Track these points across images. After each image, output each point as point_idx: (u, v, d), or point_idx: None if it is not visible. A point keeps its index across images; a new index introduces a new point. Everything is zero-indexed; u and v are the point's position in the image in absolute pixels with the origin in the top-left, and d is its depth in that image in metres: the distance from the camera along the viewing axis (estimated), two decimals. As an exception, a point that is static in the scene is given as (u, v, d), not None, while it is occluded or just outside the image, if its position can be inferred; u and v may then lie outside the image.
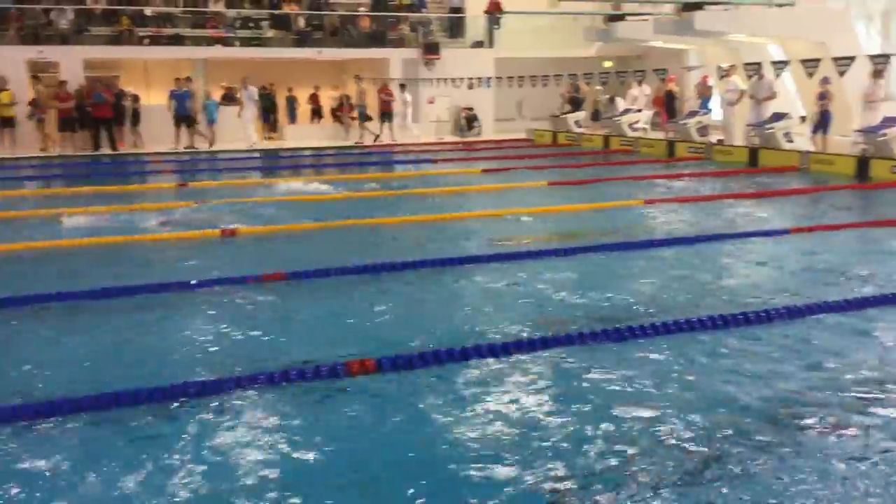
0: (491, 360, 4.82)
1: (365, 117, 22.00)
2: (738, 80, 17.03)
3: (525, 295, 6.38)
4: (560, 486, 3.38)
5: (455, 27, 25.16)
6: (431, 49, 23.50)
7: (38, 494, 3.34)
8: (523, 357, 4.86)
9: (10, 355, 5.08)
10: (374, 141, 21.83)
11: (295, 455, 3.68)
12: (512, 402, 4.25)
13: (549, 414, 4.11)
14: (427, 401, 4.29)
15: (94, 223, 9.58)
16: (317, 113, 23.71)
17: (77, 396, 4.20)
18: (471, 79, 22.33)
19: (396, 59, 23.34)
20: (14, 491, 3.35)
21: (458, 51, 24.02)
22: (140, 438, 3.86)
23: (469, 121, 23.91)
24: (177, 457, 3.64)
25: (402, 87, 21.95)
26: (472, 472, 3.50)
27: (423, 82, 23.08)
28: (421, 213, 10.17)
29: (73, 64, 20.48)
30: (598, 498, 3.27)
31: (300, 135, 22.30)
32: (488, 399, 4.29)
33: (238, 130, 20.68)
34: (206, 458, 3.64)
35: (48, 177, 15.87)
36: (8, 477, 3.46)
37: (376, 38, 23.84)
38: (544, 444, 3.76)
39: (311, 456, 3.68)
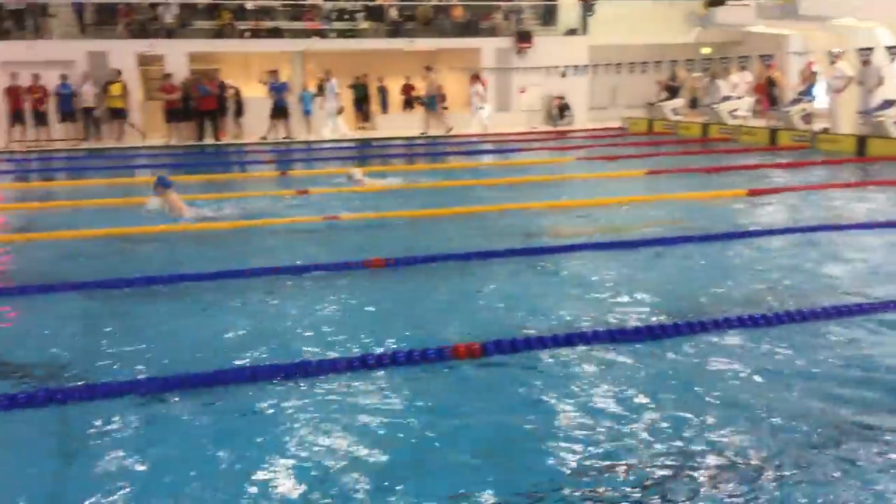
0: (595, 346, 4.80)
1: (434, 107, 22.05)
2: (846, 67, 16.30)
3: (625, 284, 6.30)
4: (659, 472, 3.35)
5: (548, 15, 24.93)
6: (524, 37, 23.37)
7: (158, 465, 3.51)
8: (625, 345, 4.82)
9: (133, 332, 5.33)
10: (447, 132, 21.83)
11: (410, 437, 3.76)
12: (615, 389, 4.22)
13: (657, 403, 4.06)
14: (531, 385, 4.30)
15: (200, 210, 9.94)
16: (409, 103, 23.91)
17: (197, 372, 4.38)
18: (564, 67, 22.11)
19: (488, 49, 23.32)
20: (136, 460, 3.54)
21: (551, 39, 23.82)
22: (259, 414, 4.00)
23: (561, 109, 23.69)
24: (293, 432, 3.77)
25: (475, 77, 21.92)
26: (570, 456, 3.50)
27: (515, 71, 22.99)
28: (515, 201, 10.15)
29: (177, 57, 21.27)
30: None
31: (392, 124, 22.56)
32: (592, 385, 4.27)
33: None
34: (316, 435, 3.75)
35: (156, 165, 16.52)
36: (132, 447, 3.65)
37: (468, 28, 23.87)
38: (643, 432, 3.72)
39: (423, 437, 3.75)
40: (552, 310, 5.64)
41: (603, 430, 3.78)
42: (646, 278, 6.45)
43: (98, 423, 3.90)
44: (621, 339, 4.89)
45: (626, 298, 5.89)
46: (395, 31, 23.35)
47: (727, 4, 21.25)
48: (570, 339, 4.85)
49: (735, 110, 19.50)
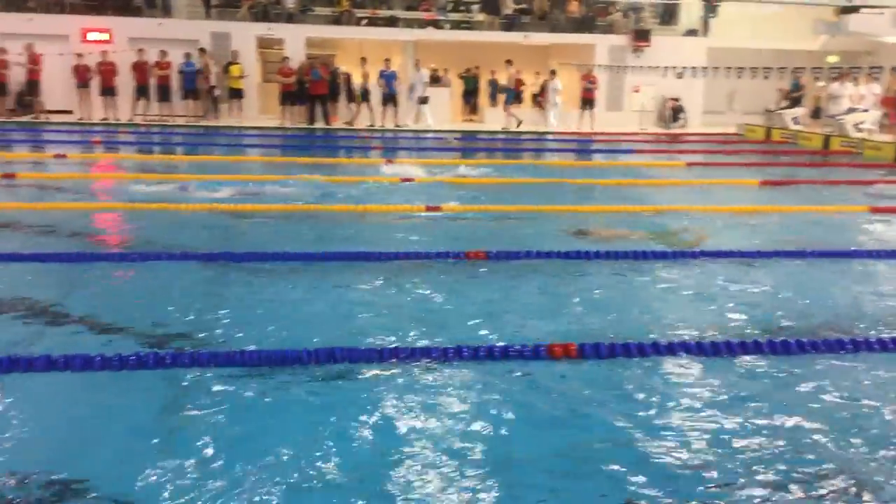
0: (694, 358, 4.63)
1: (511, 101, 21.85)
2: None
3: (732, 295, 6.06)
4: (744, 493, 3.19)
5: (668, 14, 24.31)
6: (641, 36, 22.87)
7: (256, 435, 3.59)
8: (722, 359, 4.64)
9: (243, 305, 5.49)
10: (517, 126, 21.57)
11: (499, 431, 3.72)
12: (716, 402, 4.06)
13: (752, 421, 3.88)
14: (627, 391, 4.19)
15: (307, 191, 10.16)
16: (518, 97, 23.77)
17: (302, 349, 4.45)
18: (682, 68, 21.51)
19: (603, 46, 22.92)
20: (237, 431, 3.63)
21: (669, 38, 23.22)
22: (357, 394, 4.05)
23: (675, 112, 23.08)
24: (383, 415, 3.80)
25: (553, 73, 21.60)
26: (660, 466, 3.38)
27: (628, 70, 22.53)
28: (620, 203, 9.94)
29: (296, 42, 21.81)
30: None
31: (500, 118, 22.48)
32: (686, 395, 4.12)
33: (441, 111, 21.26)
34: (408, 420, 3.76)
35: (267, 146, 17.00)
36: (234, 417, 3.75)
37: (584, 24, 23.53)
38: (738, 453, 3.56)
39: (513, 433, 3.70)
40: (654, 316, 5.48)
41: (694, 444, 3.64)
42: (752, 291, 6.19)
43: (205, 391, 4.02)
44: (725, 353, 4.70)
45: (731, 310, 5.66)
46: (510, 24, 23.24)
47: (861, 12, 20.17)
48: (672, 348, 4.70)
49: (861, 123, 18.53)
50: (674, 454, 3.54)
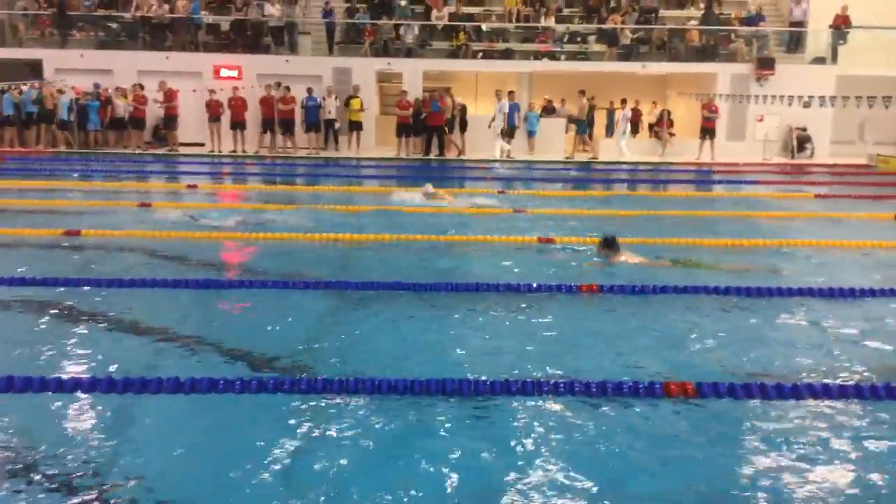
0: (821, 401, 4.40)
1: (584, 131, 21.65)
2: None
3: (860, 337, 5.73)
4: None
5: (794, 41, 23.47)
6: (765, 64, 22.16)
7: (373, 459, 3.65)
8: (851, 404, 4.38)
9: (360, 335, 5.62)
10: (593, 157, 21.27)
11: (609, 466, 3.64)
12: (842, 450, 3.83)
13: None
14: (745, 434, 4.02)
15: (421, 221, 10.32)
16: (634, 128, 23.43)
17: (421, 378, 4.50)
18: (808, 97, 20.67)
19: (725, 75, 22.33)
20: (357, 453, 3.70)
21: (795, 67, 22.39)
22: (473, 425, 4.06)
23: (801, 142, 22.17)
24: (505, 447, 3.79)
25: (623, 102, 21.12)
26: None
27: (751, 99, 21.83)
28: (742, 236, 9.59)
29: (413, 75, 22.33)
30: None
31: (613, 150, 22.22)
32: (812, 441, 3.91)
33: (554, 141, 21.25)
34: (525, 452, 3.73)
35: (384, 176, 17.40)
36: (354, 441, 3.83)
37: (705, 53, 23.02)
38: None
39: (623, 469, 3.62)
40: (776, 356, 5.25)
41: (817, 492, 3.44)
42: (888, 332, 5.83)
43: (327, 415, 4.13)
44: (855, 396, 4.44)
45: (861, 351, 5.35)
46: (627, 54, 23.01)
47: None
48: (797, 391, 4.47)
49: None
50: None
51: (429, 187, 12.47)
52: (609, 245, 7.99)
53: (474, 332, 5.71)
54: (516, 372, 4.78)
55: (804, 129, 22.11)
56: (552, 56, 23.11)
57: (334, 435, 3.92)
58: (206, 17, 23.08)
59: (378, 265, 7.93)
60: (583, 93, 21.64)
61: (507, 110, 21.17)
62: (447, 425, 4.11)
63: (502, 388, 4.44)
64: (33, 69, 22.13)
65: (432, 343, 5.45)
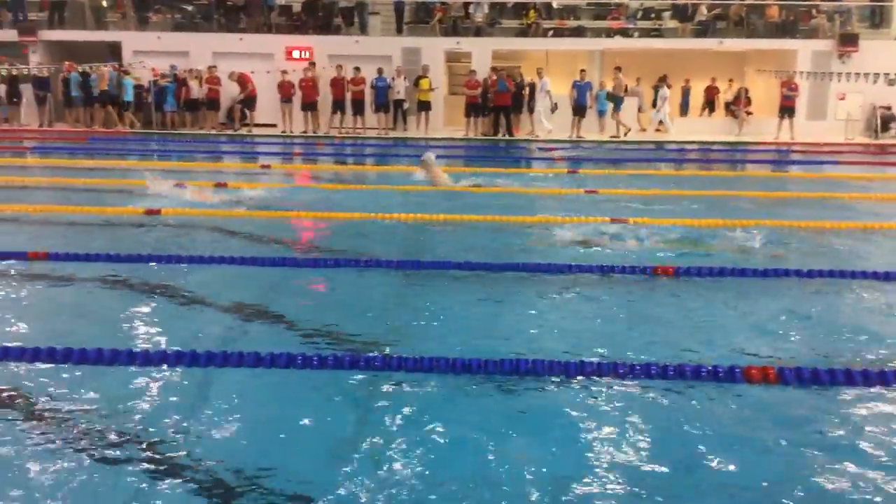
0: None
1: (620, 108, 21.16)
2: None
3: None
4: None
5: (878, 17, 22.50)
6: (848, 40, 21.33)
7: (439, 440, 3.67)
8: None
9: (429, 314, 5.64)
10: (624, 135, 20.54)
11: (684, 452, 3.58)
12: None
13: None
14: (828, 422, 3.89)
15: (488, 201, 10.28)
16: (710, 106, 22.87)
17: (487, 359, 4.50)
18: (894, 74, 19.83)
19: (805, 52, 21.58)
20: (421, 433, 3.72)
21: (879, 43, 21.49)
22: (541, 408, 4.05)
23: (885, 121, 21.30)
24: (563, 429, 3.76)
25: (662, 79, 20.48)
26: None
27: (833, 77, 21.06)
28: (822, 218, 9.28)
29: (482, 55, 22.20)
30: None
31: (688, 128, 21.74)
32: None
33: (627, 120, 20.88)
34: (586, 437, 3.70)
35: (452, 156, 17.37)
36: (418, 420, 3.85)
37: (784, 29, 22.27)
38: None
39: (700, 456, 3.55)
40: (865, 341, 5.06)
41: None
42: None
43: (393, 392, 4.17)
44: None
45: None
46: (704, 30, 22.42)
47: None
48: (885, 377, 4.31)
49: None
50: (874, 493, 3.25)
51: (430, 157, 12.06)
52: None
53: (547, 314, 5.66)
54: (590, 354, 4.73)
55: (889, 108, 21.24)
56: (625, 33, 22.68)
57: (409, 413, 3.95)
58: (279, -1, 23.35)
59: (449, 245, 7.94)
60: (619, 69, 21.23)
61: (549, 88, 20.92)
62: (519, 406, 4.10)
63: (576, 370, 4.40)
64: (113, 51, 22.79)
65: (507, 324, 5.43)
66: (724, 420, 3.95)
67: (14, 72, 20.71)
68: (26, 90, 21.86)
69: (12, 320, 5.37)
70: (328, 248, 7.94)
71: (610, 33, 22.68)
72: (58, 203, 9.81)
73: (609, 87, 21.38)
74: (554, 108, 21.01)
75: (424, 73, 21.32)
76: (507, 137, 20.91)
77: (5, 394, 4.12)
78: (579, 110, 20.79)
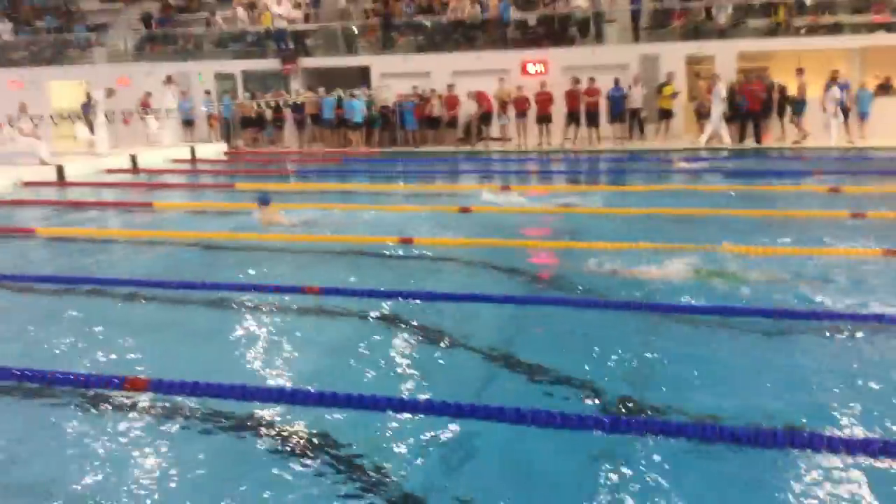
0: None
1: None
2: None
3: None
4: None
5: None
6: None
7: None
8: None
9: (680, 364, 5.39)
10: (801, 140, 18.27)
11: None
12: None
13: None
14: None
15: (734, 225, 9.65)
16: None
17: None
18: None
19: None
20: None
21: None
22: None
23: None
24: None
25: (835, 74, 17.55)
26: None
27: None
28: None
29: (726, 58, 21.08)
30: None
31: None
32: None
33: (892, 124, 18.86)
34: None
35: (696, 171, 16.63)
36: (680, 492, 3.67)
37: None
38: None
39: None
40: None
41: None
42: None
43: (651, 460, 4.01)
44: None
45: None
46: None
47: None
48: None
49: None
50: None
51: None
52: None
53: (827, 371, 5.18)
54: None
55: None
56: (889, 28, 20.52)
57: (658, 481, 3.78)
58: (515, 14, 23.67)
59: (688, 284, 7.27)
60: (800, 71, 19.34)
61: (724, 95, 19.32)
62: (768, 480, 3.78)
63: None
64: (363, 74, 24.32)
65: (758, 377, 5.05)
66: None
67: (282, 102, 22.84)
68: (288, 113, 23.95)
69: (278, 360, 5.72)
70: (575, 282, 7.53)
71: (871, 28, 20.62)
72: (317, 232, 10.39)
73: (870, 86, 19.47)
74: (726, 115, 19.67)
75: (668, 81, 20.59)
76: (755, 146, 19.70)
77: (282, 435, 4.43)
78: (842, 113, 19.04)
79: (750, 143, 19.91)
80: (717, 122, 19.88)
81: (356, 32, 25.27)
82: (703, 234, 9.03)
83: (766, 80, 20.10)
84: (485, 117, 22.06)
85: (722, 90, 19.77)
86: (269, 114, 23.84)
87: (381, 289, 7.25)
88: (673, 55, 21.51)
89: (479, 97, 21.77)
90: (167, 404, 4.84)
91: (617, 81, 20.92)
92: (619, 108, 21.03)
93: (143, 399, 4.90)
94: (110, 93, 19.81)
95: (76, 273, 8.44)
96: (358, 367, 5.50)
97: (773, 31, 21.45)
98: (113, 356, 5.79)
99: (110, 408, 4.87)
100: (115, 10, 30.42)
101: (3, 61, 28.36)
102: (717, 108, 19.85)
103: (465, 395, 4.81)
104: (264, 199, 10.58)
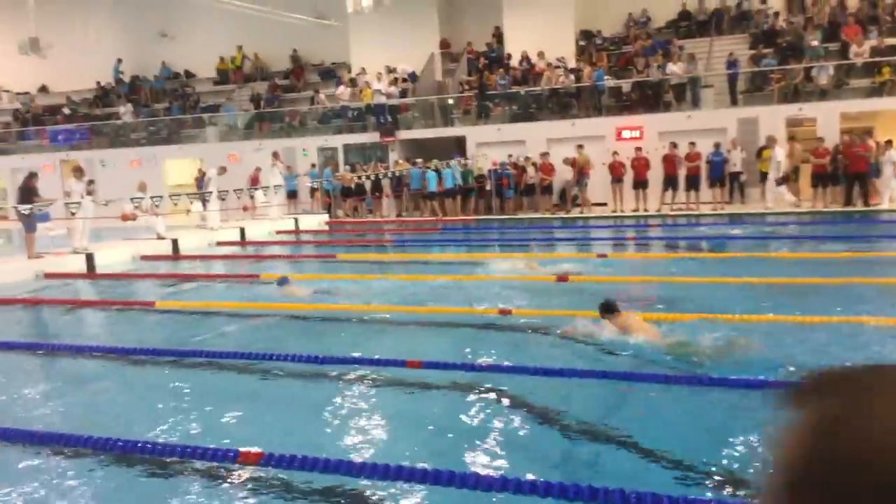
0: None
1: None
2: None
3: None
4: None
5: None
6: None
7: None
8: None
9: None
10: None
11: None
12: None
13: None
14: None
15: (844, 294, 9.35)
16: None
17: None
18: None
19: None
20: None
21: None
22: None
23: None
24: None
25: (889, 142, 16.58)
26: None
27: None
28: None
29: (829, 119, 20.61)
30: None
31: None
32: None
33: None
34: None
35: (799, 237, 16.18)
36: None
37: None
38: None
39: None
40: None
41: None
42: None
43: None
44: None
45: None
46: None
47: None
48: None
49: None
50: None
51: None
52: (607, 309, 7.62)
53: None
54: None
55: None
56: None
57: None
58: (609, 82, 23.88)
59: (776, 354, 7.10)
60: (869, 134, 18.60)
61: (780, 158, 18.77)
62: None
63: None
64: (458, 144, 24.91)
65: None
66: None
67: (380, 175, 23.62)
68: (386, 184, 24.69)
69: (383, 435, 5.89)
70: (686, 358, 7.30)
71: None
72: (415, 303, 10.63)
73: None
74: (781, 181, 18.92)
75: (769, 144, 20.25)
76: (862, 208, 19.04)
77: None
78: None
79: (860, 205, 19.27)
80: (772, 185, 19.49)
81: (452, 104, 25.99)
82: (816, 304, 8.78)
83: (869, 141, 19.48)
84: (580, 183, 22.16)
85: (779, 153, 19.38)
86: (368, 184, 24.62)
87: (483, 363, 7.35)
88: (772, 117, 21.18)
89: (575, 164, 21.92)
90: (282, 477, 5.02)
91: (717, 146, 20.72)
92: (719, 173, 20.78)
93: (256, 472, 5.11)
94: (222, 170, 20.90)
95: (189, 347, 8.84)
96: (464, 444, 5.54)
97: (877, 91, 20.88)
98: (223, 429, 6.06)
99: (223, 482, 5.09)
100: (228, 92, 32.28)
101: (125, 141, 30.45)
102: (772, 172, 19.51)
103: (576, 474, 4.80)
104: (282, 281, 11.92)
